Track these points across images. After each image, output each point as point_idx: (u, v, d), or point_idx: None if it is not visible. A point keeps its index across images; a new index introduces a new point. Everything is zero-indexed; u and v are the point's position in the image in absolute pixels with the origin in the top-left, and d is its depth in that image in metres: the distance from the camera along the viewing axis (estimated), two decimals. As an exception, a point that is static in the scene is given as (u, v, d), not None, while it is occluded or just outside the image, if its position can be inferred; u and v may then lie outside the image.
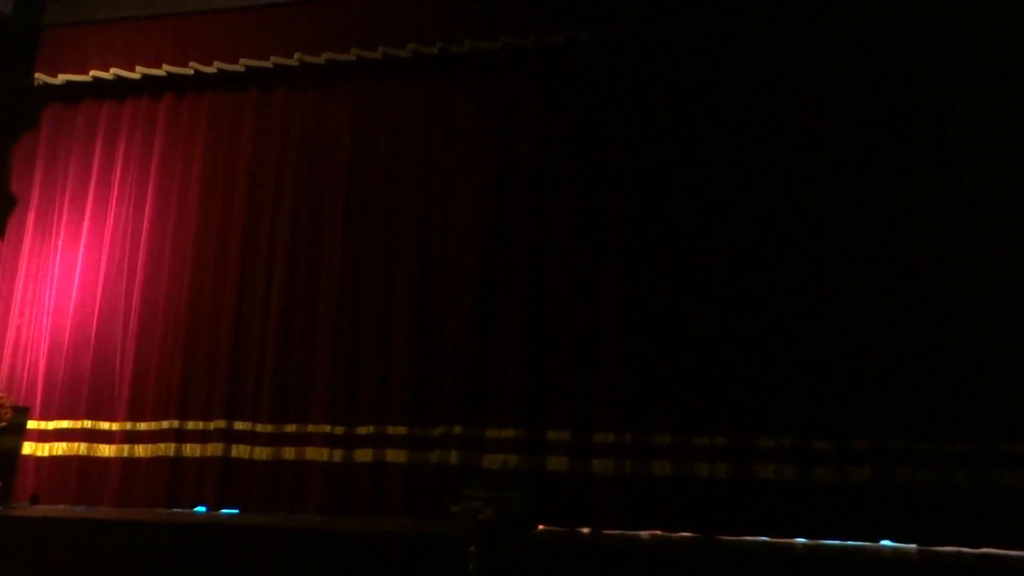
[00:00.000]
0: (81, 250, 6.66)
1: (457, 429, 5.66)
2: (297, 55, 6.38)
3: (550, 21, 5.97)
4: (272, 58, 6.44)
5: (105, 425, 6.27)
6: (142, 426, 6.20)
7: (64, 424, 6.31)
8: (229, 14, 6.54)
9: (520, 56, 6.13)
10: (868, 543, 4.97)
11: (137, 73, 6.68)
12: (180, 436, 6.12)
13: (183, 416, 6.15)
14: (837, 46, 5.67)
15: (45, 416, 6.33)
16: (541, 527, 5.25)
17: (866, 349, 5.25)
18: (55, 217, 6.78)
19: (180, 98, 6.76)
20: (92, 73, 6.71)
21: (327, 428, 5.91)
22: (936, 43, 5.55)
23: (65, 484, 6.16)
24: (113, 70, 6.68)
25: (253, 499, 5.89)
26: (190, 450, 6.09)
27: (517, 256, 5.87)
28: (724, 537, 5.12)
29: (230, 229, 6.40)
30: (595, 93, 6.00)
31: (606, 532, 5.26)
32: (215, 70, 6.56)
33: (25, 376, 6.49)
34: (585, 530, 5.32)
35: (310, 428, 5.95)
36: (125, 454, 6.16)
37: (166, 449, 6.11)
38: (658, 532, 5.26)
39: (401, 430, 5.79)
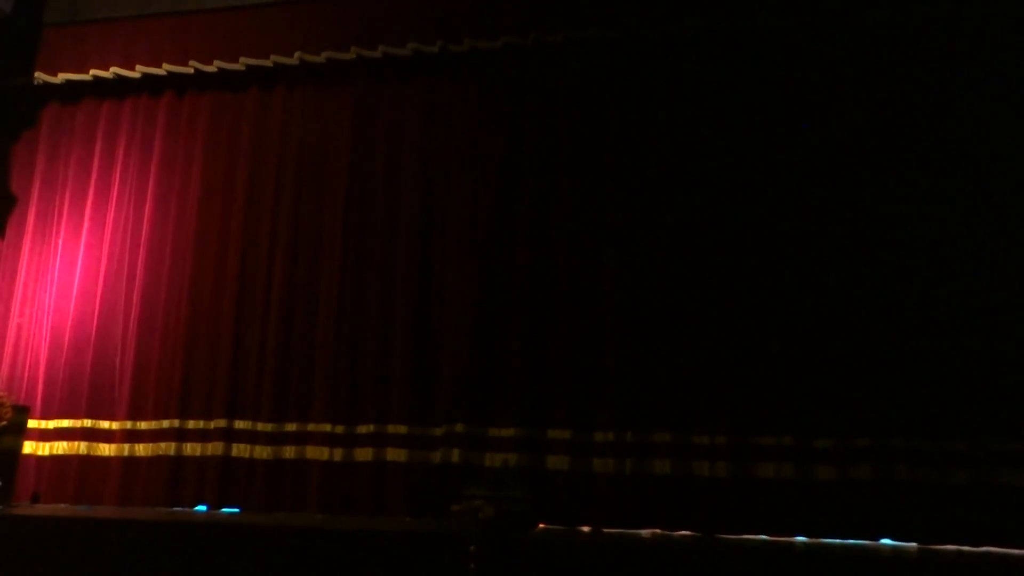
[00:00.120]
0: (81, 249, 6.66)
1: (459, 427, 5.66)
2: (297, 54, 6.38)
3: (550, 20, 5.97)
4: (272, 57, 6.44)
5: (105, 424, 6.27)
6: (142, 425, 6.20)
7: (64, 423, 6.30)
8: (229, 13, 6.54)
9: (520, 55, 6.12)
10: (868, 542, 4.97)
11: (137, 72, 6.67)
12: (180, 435, 6.12)
13: (183, 415, 6.15)
14: (839, 45, 5.66)
15: (45, 415, 6.33)
16: (541, 526, 5.25)
17: (866, 348, 5.25)
18: (55, 216, 6.78)
19: (180, 97, 6.76)
20: (92, 72, 6.71)
21: (327, 427, 5.91)
22: (937, 42, 5.54)
23: (65, 483, 6.16)
24: (113, 69, 6.67)
25: (253, 498, 5.89)
26: (190, 449, 6.09)
27: (517, 254, 5.87)
28: (724, 536, 5.12)
29: (230, 227, 6.40)
30: (596, 92, 5.99)
31: (606, 531, 5.26)
32: (215, 69, 6.55)
33: (25, 375, 6.49)
34: (585, 529, 5.33)
35: (310, 427, 5.95)
36: (126, 453, 6.16)
37: (166, 448, 6.10)
38: (658, 531, 5.26)
39: (402, 429, 5.79)
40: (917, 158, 5.42)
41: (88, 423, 6.28)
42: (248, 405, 6.08)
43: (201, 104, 6.69)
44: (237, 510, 5.88)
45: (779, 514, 5.15)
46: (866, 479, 5.11)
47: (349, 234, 6.19)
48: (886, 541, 5.00)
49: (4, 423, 5.64)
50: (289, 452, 5.94)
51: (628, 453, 5.42)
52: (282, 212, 6.36)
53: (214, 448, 6.03)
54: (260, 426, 6.02)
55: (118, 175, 6.72)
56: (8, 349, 6.59)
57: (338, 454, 5.84)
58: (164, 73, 6.65)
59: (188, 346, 6.26)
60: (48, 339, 6.53)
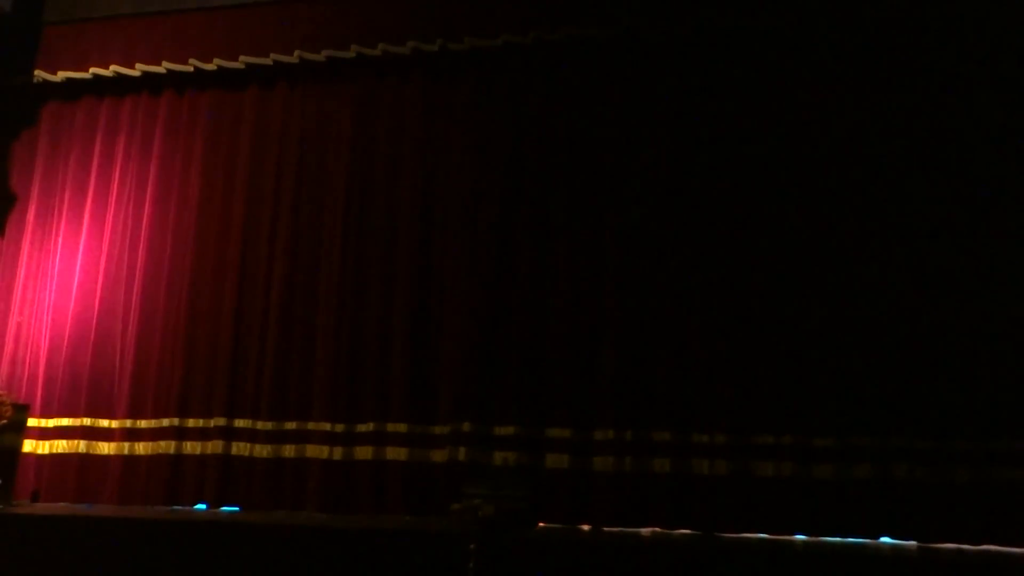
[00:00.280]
0: (81, 248, 6.65)
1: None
2: (297, 52, 6.37)
3: (551, 18, 5.96)
4: (272, 55, 6.43)
5: (105, 423, 6.27)
6: (142, 424, 6.19)
7: (64, 422, 6.30)
8: (229, 11, 6.53)
9: (521, 53, 6.12)
10: (868, 540, 4.97)
11: (137, 70, 6.66)
12: (180, 434, 6.11)
13: (183, 414, 6.14)
14: (842, 44, 5.65)
15: (45, 414, 6.33)
16: (541, 525, 5.25)
17: (866, 346, 5.25)
18: (55, 215, 6.77)
19: (180, 95, 6.75)
20: (92, 70, 6.70)
21: (327, 426, 5.91)
22: (937, 42, 5.54)
23: (65, 482, 6.16)
24: (113, 67, 6.66)
25: (253, 497, 5.89)
26: (190, 448, 6.08)
27: (517, 252, 5.87)
28: (724, 534, 5.12)
29: (230, 226, 6.39)
30: (597, 91, 5.99)
31: (606, 529, 5.26)
32: (215, 67, 6.54)
33: (25, 374, 6.49)
34: (585, 527, 5.33)
35: (310, 426, 5.95)
36: (125, 452, 6.16)
37: (166, 447, 6.10)
38: (658, 529, 5.26)
39: (401, 427, 5.79)
40: (918, 157, 5.42)
41: (88, 421, 6.28)
42: (248, 404, 6.08)
43: (201, 102, 6.68)
44: (237, 509, 5.88)
45: (779, 513, 5.16)
46: (866, 478, 5.10)
47: (349, 232, 6.19)
48: (886, 540, 5.00)
49: (4, 421, 5.63)
50: (289, 451, 5.94)
51: (628, 452, 5.42)
52: (282, 210, 6.35)
53: (214, 447, 6.02)
54: (260, 425, 6.02)
55: (118, 173, 6.71)
56: (8, 347, 6.58)
57: (338, 453, 5.84)
58: (164, 71, 6.63)
59: (188, 344, 6.25)
60: (48, 337, 6.52)
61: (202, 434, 6.09)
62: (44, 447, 6.27)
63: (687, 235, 5.64)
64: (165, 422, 6.16)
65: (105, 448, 6.22)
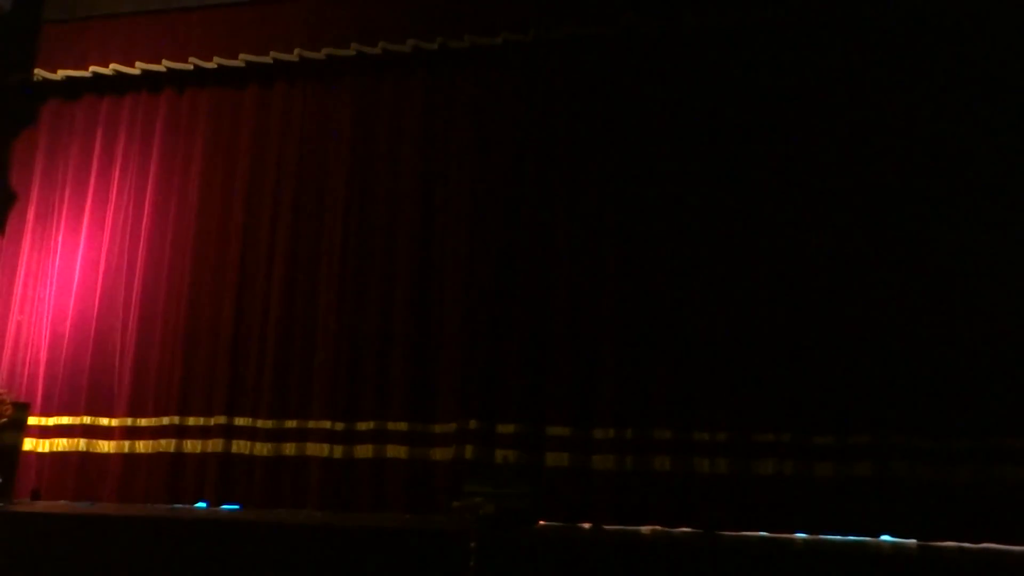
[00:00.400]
0: (81, 246, 6.65)
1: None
2: (297, 51, 6.37)
3: (551, 16, 5.96)
4: (272, 53, 6.42)
5: (105, 421, 6.27)
6: (142, 422, 6.19)
7: (64, 420, 6.30)
8: (228, 9, 6.52)
9: (521, 51, 6.11)
10: (868, 538, 4.97)
11: (137, 69, 6.65)
12: (180, 432, 6.11)
13: (183, 412, 6.15)
14: (845, 42, 5.64)
15: (45, 412, 6.33)
16: (542, 523, 5.25)
17: (866, 344, 5.24)
18: (55, 213, 6.77)
19: (180, 94, 6.75)
20: (92, 69, 6.70)
21: (327, 424, 5.90)
22: (938, 41, 5.53)
23: (65, 480, 6.16)
24: (113, 66, 6.66)
25: (254, 495, 5.89)
26: (190, 446, 6.08)
27: (517, 250, 5.87)
28: (724, 532, 5.12)
29: (230, 224, 6.39)
30: (597, 89, 5.98)
31: (607, 527, 5.26)
32: (215, 65, 6.55)
33: (25, 372, 6.49)
34: (586, 525, 5.33)
35: (311, 424, 5.95)
36: (126, 450, 6.16)
37: (166, 445, 6.10)
38: (658, 527, 5.26)
39: (402, 426, 5.79)
40: (920, 156, 5.41)
41: (88, 420, 6.28)
42: (248, 402, 6.08)
43: (201, 100, 6.68)
44: (237, 507, 5.88)
45: (779, 511, 5.15)
46: (866, 476, 5.10)
47: (349, 229, 6.18)
48: (886, 538, 4.99)
49: (4, 420, 5.64)
50: (289, 449, 5.94)
51: (628, 450, 5.42)
52: (282, 208, 6.35)
53: (214, 445, 6.02)
54: (260, 423, 6.02)
55: (118, 172, 6.71)
56: (8, 346, 6.58)
57: (338, 451, 5.84)
58: (164, 70, 6.63)
59: (188, 343, 6.25)
60: (48, 336, 6.52)
61: (202, 432, 6.09)
62: (44, 445, 6.27)
63: (688, 233, 5.63)
64: (165, 420, 6.15)
65: (105, 446, 6.22)
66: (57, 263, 6.66)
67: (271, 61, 6.47)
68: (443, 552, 4.42)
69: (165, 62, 6.59)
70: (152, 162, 6.66)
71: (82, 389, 6.34)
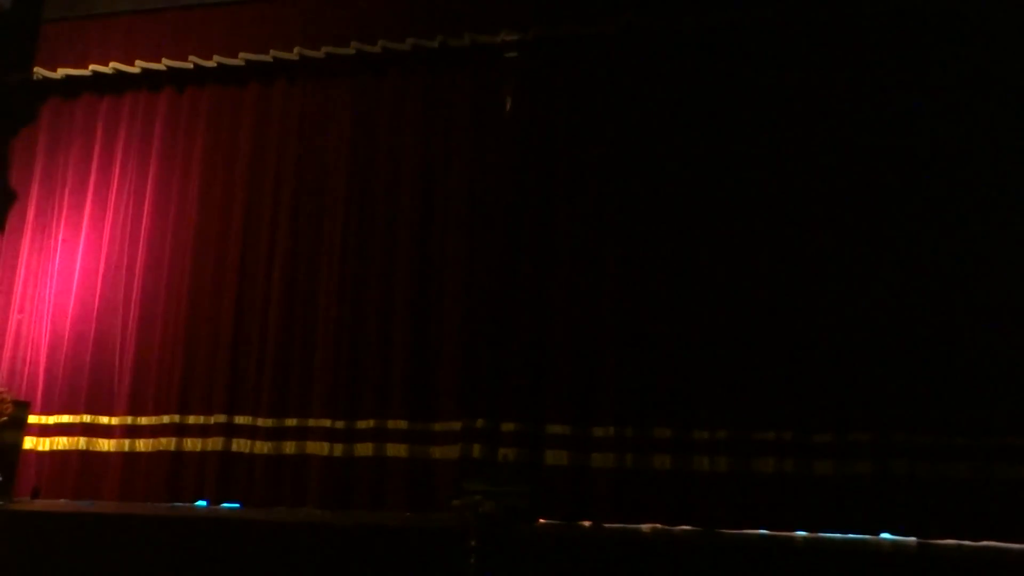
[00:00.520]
0: (81, 244, 6.65)
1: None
2: (297, 49, 6.37)
3: (551, 15, 5.96)
4: (272, 52, 6.42)
5: (105, 420, 6.27)
6: (143, 420, 6.20)
7: (65, 419, 6.30)
8: (229, 8, 6.52)
9: (521, 50, 6.10)
10: (868, 536, 4.97)
11: (136, 67, 6.65)
12: (180, 430, 6.12)
13: (183, 410, 6.15)
14: (846, 42, 5.64)
15: (46, 411, 6.33)
16: (542, 521, 5.25)
17: (867, 342, 5.25)
18: (55, 212, 6.78)
19: (180, 92, 6.75)
20: (91, 67, 6.69)
21: (327, 422, 5.90)
22: (938, 41, 5.53)
23: (65, 478, 6.16)
24: (112, 64, 6.66)
25: (254, 493, 5.89)
26: (191, 444, 6.08)
27: (517, 249, 5.86)
28: (724, 530, 5.12)
29: (230, 222, 6.39)
30: (598, 88, 5.98)
31: (606, 525, 5.26)
32: (215, 64, 6.55)
33: (26, 371, 6.49)
34: (586, 524, 5.33)
35: (311, 422, 5.95)
36: (126, 448, 6.16)
37: (167, 443, 6.10)
38: (658, 526, 5.26)
39: (402, 424, 5.79)
40: (920, 155, 5.41)
41: (88, 419, 6.28)
42: (248, 400, 6.08)
43: (201, 99, 6.68)
44: (237, 505, 5.89)
45: (779, 509, 5.16)
46: (866, 474, 5.10)
47: (349, 227, 6.18)
48: (886, 535, 5.00)
49: (4, 418, 5.64)
50: (289, 447, 5.94)
51: (628, 448, 5.42)
52: (282, 207, 6.35)
53: (214, 443, 6.03)
54: (260, 421, 6.02)
55: (118, 170, 6.72)
56: (8, 345, 6.58)
57: (338, 449, 5.83)
58: (164, 68, 6.62)
59: (188, 341, 6.25)
60: (48, 335, 6.53)
61: (202, 431, 6.09)
62: (44, 444, 6.27)
63: (688, 232, 5.63)
64: (165, 419, 6.16)
65: (105, 445, 6.22)
66: (57, 262, 6.66)
67: (271, 60, 6.47)
68: (443, 550, 4.43)
69: (165, 60, 6.58)
70: (152, 160, 6.66)
71: (82, 388, 6.34)
